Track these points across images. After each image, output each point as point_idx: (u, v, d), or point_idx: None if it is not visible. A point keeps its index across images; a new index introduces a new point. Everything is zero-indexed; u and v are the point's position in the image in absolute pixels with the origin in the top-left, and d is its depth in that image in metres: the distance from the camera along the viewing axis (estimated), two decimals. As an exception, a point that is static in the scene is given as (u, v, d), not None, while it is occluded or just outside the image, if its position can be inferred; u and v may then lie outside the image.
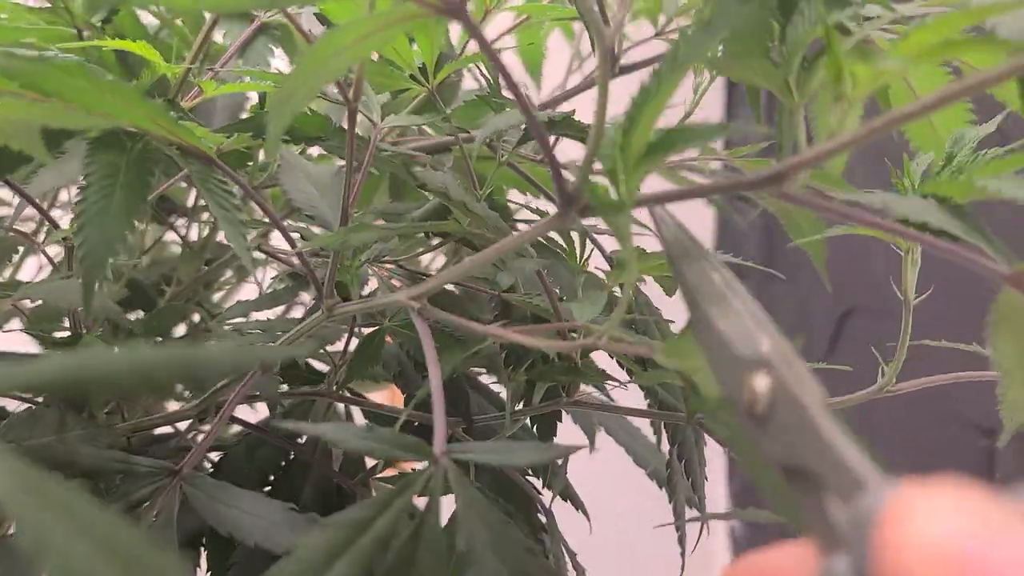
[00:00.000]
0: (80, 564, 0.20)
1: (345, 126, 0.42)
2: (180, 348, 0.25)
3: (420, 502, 0.33)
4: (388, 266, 0.57)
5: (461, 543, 0.31)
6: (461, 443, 0.35)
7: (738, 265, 0.50)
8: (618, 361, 0.54)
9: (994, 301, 0.30)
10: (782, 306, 1.49)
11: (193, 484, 0.41)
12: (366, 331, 0.52)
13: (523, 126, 0.46)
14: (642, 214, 0.58)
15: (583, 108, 0.47)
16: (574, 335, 0.45)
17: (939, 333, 0.51)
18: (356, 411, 0.59)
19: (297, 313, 0.70)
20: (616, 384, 0.52)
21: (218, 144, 0.43)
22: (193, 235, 0.64)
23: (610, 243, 0.56)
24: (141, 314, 0.60)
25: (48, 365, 0.24)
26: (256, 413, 0.62)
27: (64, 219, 0.61)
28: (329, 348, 0.58)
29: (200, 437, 0.61)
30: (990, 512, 0.18)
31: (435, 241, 0.61)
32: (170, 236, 0.70)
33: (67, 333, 0.52)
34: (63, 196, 0.70)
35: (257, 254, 0.62)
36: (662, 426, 0.54)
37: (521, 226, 0.56)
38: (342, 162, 0.59)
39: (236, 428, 0.60)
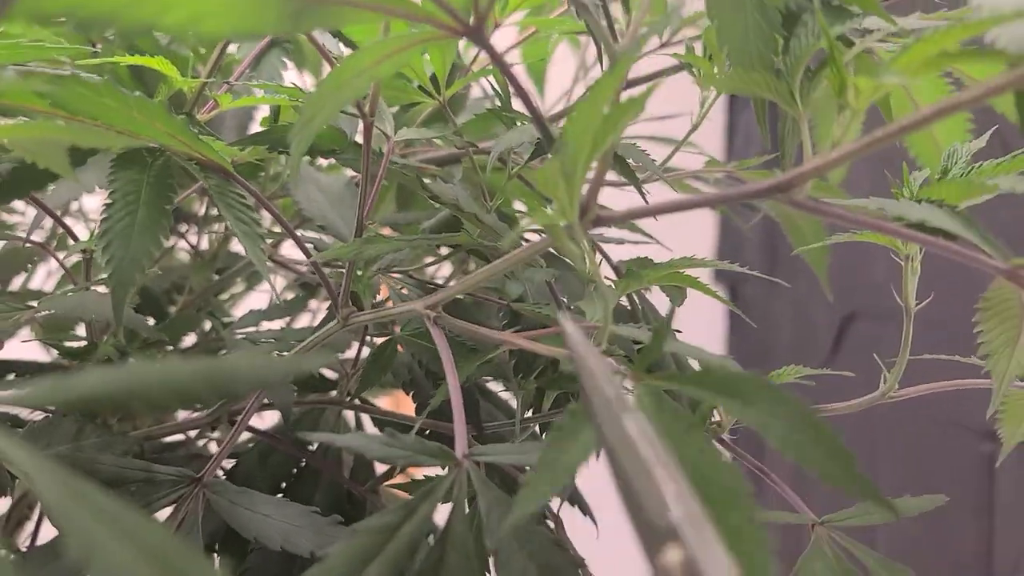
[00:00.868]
0: (126, 572, 0.20)
1: (358, 139, 0.43)
2: (212, 362, 0.26)
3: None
4: (395, 276, 0.58)
5: (489, 542, 0.32)
6: (480, 446, 0.36)
7: (740, 271, 0.51)
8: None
9: (987, 292, 0.32)
10: (784, 311, 1.49)
11: (215, 491, 0.42)
12: (377, 341, 0.53)
13: (535, 140, 0.46)
14: (647, 222, 0.59)
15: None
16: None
17: (939, 338, 0.52)
18: (365, 418, 0.60)
19: (302, 323, 0.71)
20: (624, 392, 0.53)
21: (233, 157, 0.44)
22: (201, 244, 0.65)
23: (617, 252, 0.57)
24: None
25: (89, 381, 0.25)
26: (262, 420, 0.62)
27: (76, 228, 0.62)
28: (340, 357, 0.59)
29: (212, 445, 0.62)
30: None
31: (444, 251, 0.62)
32: (178, 244, 0.71)
33: (80, 343, 0.53)
34: (73, 205, 0.71)
35: (268, 264, 0.62)
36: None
37: (530, 236, 0.57)
38: (351, 173, 0.60)
39: (244, 436, 0.61)
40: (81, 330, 0.63)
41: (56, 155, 0.34)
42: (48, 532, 0.46)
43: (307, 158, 0.62)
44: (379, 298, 0.55)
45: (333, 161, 0.64)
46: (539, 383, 0.50)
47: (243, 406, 0.54)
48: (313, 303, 0.70)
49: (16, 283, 0.63)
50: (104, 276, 0.36)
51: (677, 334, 0.55)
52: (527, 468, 0.51)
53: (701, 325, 1.61)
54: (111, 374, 0.25)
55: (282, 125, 0.46)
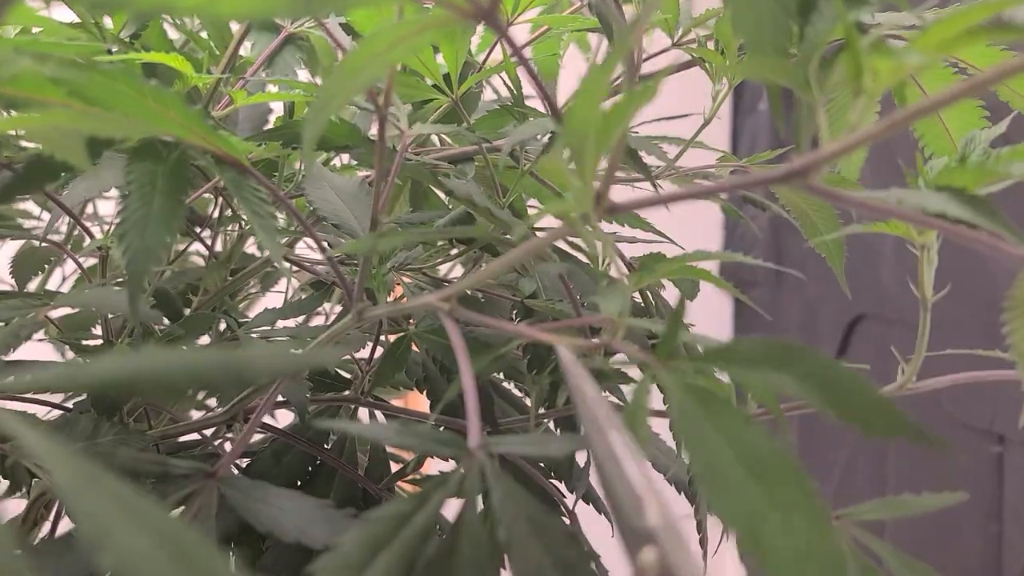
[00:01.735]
0: (141, 560, 0.20)
1: (371, 135, 0.43)
2: (229, 351, 0.26)
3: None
4: (407, 275, 0.58)
5: (502, 534, 0.32)
6: (494, 437, 0.36)
7: (747, 273, 0.51)
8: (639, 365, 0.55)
9: (1012, 288, 0.31)
10: (790, 314, 1.49)
11: (230, 485, 0.42)
12: (391, 338, 0.53)
13: (547, 136, 0.46)
14: (657, 218, 0.59)
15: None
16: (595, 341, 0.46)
17: (948, 336, 0.52)
18: (379, 416, 0.60)
19: (315, 323, 0.71)
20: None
21: (248, 153, 0.44)
22: (216, 246, 0.65)
23: (629, 249, 0.57)
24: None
25: (107, 366, 0.25)
26: (276, 420, 0.62)
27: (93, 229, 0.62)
28: (354, 355, 0.59)
29: (227, 445, 0.62)
30: None
31: (454, 251, 0.62)
32: (191, 247, 0.72)
33: (95, 341, 0.54)
34: (87, 208, 0.72)
35: (283, 263, 0.62)
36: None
37: (540, 234, 0.57)
38: (364, 173, 0.60)
39: (258, 435, 0.61)
40: (97, 330, 0.63)
41: (74, 145, 0.34)
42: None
43: (321, 157, 0.63)
44: (391, 299, 0.55)
45: (347, 162, 0.65)
46: (553, 378, 0.50)
47: (258, 404, 0.54)
48: (325, 306, 0.70)
49: (30, 286, 0.64)
50: (122, 272, 0.36)
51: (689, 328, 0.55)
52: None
53: (708, 329, 1.62)
54: (127, 359, 0.25)
55: (297, 121, 0.46)
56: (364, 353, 0.59)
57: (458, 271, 0.74)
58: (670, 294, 0.58)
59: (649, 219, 0.60)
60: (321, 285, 0.63)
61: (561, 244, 0.55)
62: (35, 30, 0.49)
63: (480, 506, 0.34)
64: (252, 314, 0.68)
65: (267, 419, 0.57)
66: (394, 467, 0.60)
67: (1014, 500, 1.21)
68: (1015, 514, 1.21)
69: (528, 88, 0.58)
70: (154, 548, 0.20)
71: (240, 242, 0.62)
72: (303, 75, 0.55)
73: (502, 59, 0.55)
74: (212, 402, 0.72)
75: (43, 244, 0.54)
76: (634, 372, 0.54)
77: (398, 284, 0.56)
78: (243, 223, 0.61)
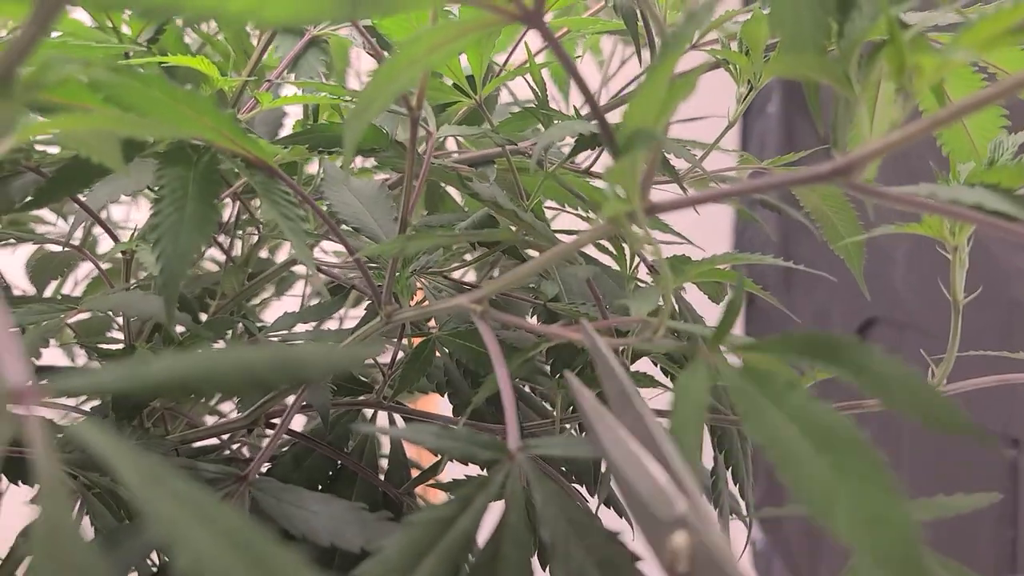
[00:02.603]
0: (212, 560, 0.20)
1: (398, 138, 0.43)
2: (282, 349, 0.26)
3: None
4: (427, 278, 0.58)
5: (545, 536, 0.32)
6: (533, 439, 0.36)
7: (756, 277, 0.51)
8: (662, 368, 0.54)
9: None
10: (800, 319, 1.49)
11: (261, 488, 0.42)
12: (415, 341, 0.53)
13: (573, 139, 0.46)
14: (669, 221, 0.59)
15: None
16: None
17: (961, 339, 0.52)
18: (399, 420, 0.60)
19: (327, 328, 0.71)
20: (662, 391, 0.53)
21: (276, 156, 0.44)
22: (233, 250, 0.65)
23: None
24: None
25: (161, 366, 0.25)
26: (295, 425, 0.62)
27: (104, 238, 0.62)
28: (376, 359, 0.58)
29: (244, 449, 0.62)
30: None
31: (468, 257, 0.62)
32: (205, 253, 0.71)
33: (115, 346, 0.53)
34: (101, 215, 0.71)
35: (300, 268, 0.62)
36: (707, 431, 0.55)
37: (562, 239, 0.57)
38: (382, 176, 0.60)
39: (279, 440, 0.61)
40: (111, 334, 0.63)
41: (110, 148, 0.34)
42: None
43: (340, 161, 0.62)
44: (413, 303, 0.55)
45: (364, 165, 0.65)
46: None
47: (281, 408, 0.54)
48: (340, 312, 0.70)
49: (47, 292, 0.64)
50: (147, 276, 0.36)
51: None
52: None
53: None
54: (184, 359, 0.25)
55: (323, 124, 0.46)
56: (385, 358, 0.59)
57: (470, 276, 0.74)
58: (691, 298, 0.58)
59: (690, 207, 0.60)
60: (338, 289, 0.63)
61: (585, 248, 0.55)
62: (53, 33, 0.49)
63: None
64: (266, 318, 0.67)
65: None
66: (415, 472, 0.60)
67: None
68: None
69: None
70: (223, 547, 0.20)
71: (257, 246, 0.62)
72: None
73: (515, 62, 0.55)
74: (224, 407, 0.72)
75: (65, 249, 0.54)
76: (660, 377, 0.54)
77: (419, 289, 0.55)
78: (260, 227, 0.61)
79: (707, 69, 0.54)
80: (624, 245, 0.49)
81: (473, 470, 0.50)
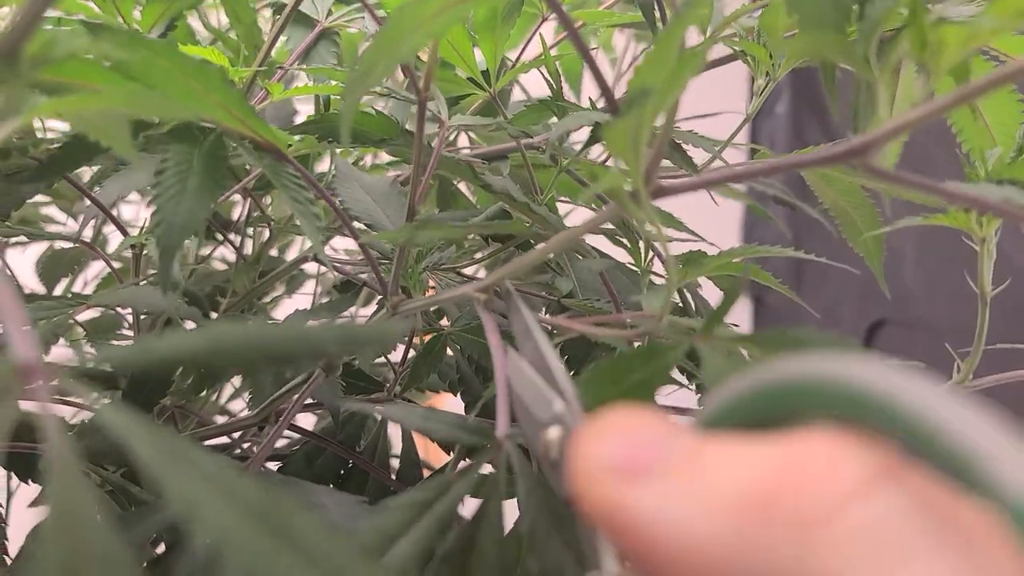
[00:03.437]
0: (234, 533, 0.20)
1: (408, 129, 0.42)
2: (301, 325, 0.25)
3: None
4: (440, 274, 0.57)
5: (525, 526, 0.31)
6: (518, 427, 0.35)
7: (766, 276, 0.50)
8: (678, 367, 0.54)
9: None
10: (808, 317, 1.48)
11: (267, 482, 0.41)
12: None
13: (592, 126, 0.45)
14: (687, 222, 0.59)
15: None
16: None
17: (969, 338, 0.51)
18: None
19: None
20: (677, 387, 0.52)
21: (287, 143, 0.43)
22: (243, 248, 0.65)
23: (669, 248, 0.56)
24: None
25: (170, 342, 0.24)
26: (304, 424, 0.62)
27: (114, 236, 0.61)
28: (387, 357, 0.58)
29: (256, 448, 0.61)
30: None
31: (479, 255, 0.61)
32: (215, 253, 0.71)
33: (124, 342, 0.53)
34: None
35: (311, 266, 0.62)
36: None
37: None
38: (394, 173, 0.59)
39: (291, 438, 0.60)
40: (124, 331, 0.62)
41: (119, 129, 0.33)
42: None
43: (352, 157, 0.62)
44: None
45: (376, 162, 0.64)
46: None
47: (288, 405, 0.53)
48: (351, 309, 0.70)
49: (57, 290, 0.63)
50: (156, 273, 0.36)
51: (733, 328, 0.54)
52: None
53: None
54: (196, 334, 0.25)
55: (333, 113, 0.45)
56: (396, 357, 0.58)
57: (482, 275, 0.73)
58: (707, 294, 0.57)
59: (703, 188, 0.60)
60: (348, 286, 0.62)
61: (600, 245, 0.54)
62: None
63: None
64: (277, 316, 0.67)
65: (301, 422, 0.56)
66: (425, 473, 0.59)
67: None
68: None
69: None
70: (244, 520, 0.20)
71: (268, 243, 0.61)
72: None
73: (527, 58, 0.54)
74: (235, 406, 0.71)
75: (75, 245, 0.54)
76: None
77: (431, 287, 0.55)
78: (271, 224, 0.60)
79: (721, 62, 0.53)
80: (639, 239, 0.49)
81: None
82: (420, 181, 0.43)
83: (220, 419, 0.70)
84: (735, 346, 0.31)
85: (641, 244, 0.49)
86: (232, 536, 0.20)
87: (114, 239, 0.71)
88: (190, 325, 0.55)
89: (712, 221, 0.60)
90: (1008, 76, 0.26)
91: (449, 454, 0.54)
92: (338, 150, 0.53)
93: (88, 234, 0.64)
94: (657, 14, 0.49)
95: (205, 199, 0.36)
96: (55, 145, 0.42)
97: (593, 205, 0.58)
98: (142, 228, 0.49)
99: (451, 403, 0.58)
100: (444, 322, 0.56)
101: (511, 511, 0.33)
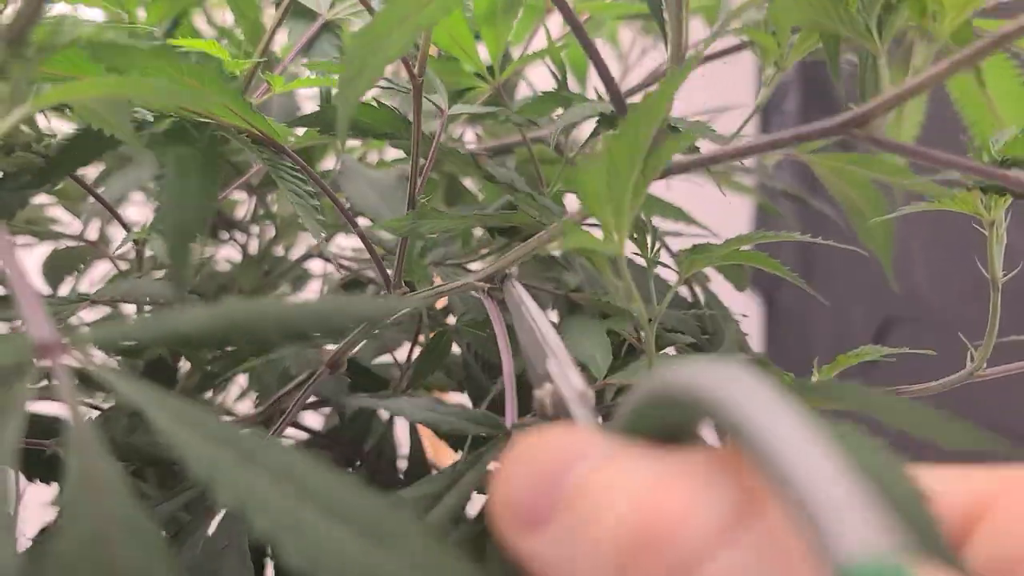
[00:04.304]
0: (256, 496, 0.20)
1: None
2: (318, 300, 0.25)
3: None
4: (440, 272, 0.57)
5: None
6: (531, 417, 0.35)
7: (775, 278, 0.50)
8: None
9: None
10: (820, 317, 1.47)
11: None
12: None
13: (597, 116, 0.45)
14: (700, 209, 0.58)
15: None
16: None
17: (980, 331, 0.50)
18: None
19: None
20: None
21: (287, 136, 0.43)
22: (247, 247, 0.64)
23: (675, 243, 0.56)
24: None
25: (185, 316, 0.24)
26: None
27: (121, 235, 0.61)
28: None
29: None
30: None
31: (484, 251, 0.61)
32: (218, 254, 0.71)
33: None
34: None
35: (316, 265, 0.62)
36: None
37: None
38: (399, 169, 0.59)
39: (297, 437, 0.60)
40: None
41: (121, 117, 0.33)
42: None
43: (357, 152, 0.62)
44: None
45: (383, 158, 0.64)
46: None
47: (294, 400, 0.53)
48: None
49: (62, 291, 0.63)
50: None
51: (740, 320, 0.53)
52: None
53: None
54: (215, 309, 0.24)
55: (334, 107, 0.45)
56: (401, 355, 0.58)
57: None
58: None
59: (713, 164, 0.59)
60: (355, 286, 0.62)
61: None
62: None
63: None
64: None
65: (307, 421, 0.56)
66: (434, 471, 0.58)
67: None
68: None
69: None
70: (265, 481, 0.20)
71: (272, 242, 0.61)
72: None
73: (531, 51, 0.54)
74: (241, 408, 0.71)
75: (81, 243, 0.53)
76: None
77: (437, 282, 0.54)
78: (276, 221, 0.60)
79: (725, 53, 0.53)
80: (646, 231, 0.48)
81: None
82: (419, 170, 0.42)
83: (226, 420, 0.69)
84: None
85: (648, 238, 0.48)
86: (255, 497, 0.20)
87: (119, 240, 0.71)
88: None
89: (721, 219, 0.60)
90: (1010, 37, 0.26)
91: (458, 453, 0.53)
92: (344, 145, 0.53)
93: (93, 236, 0.64)
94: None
95: (207, 192, 0.36)
96: (60, 140, 0.42)
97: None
98: (145, 224, 0.49)
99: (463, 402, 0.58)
100: (450, 320, 0.56)
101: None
